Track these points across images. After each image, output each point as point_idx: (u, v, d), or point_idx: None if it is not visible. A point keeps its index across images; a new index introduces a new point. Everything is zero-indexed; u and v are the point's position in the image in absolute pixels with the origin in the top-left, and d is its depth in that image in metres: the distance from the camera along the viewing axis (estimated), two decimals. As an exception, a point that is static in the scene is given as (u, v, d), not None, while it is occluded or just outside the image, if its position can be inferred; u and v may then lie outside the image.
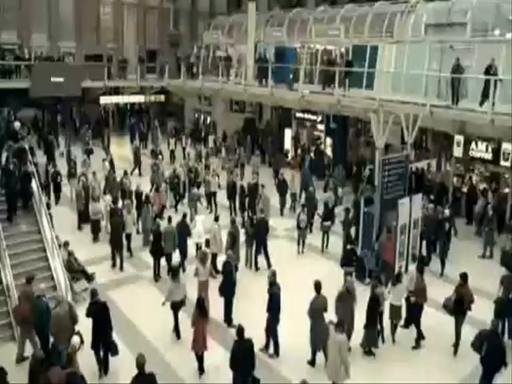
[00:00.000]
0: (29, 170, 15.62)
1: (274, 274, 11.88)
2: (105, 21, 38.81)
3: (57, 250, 13.93)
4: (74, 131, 33.20)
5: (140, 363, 8.67)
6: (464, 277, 12.02)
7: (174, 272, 12.67)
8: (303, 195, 21.73)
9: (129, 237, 17.30)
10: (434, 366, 11.52)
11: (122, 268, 16.21)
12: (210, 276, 13.64)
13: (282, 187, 21.91)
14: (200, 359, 11.03)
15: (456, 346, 11.99)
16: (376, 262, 14.79)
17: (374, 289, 11.84)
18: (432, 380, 10.90)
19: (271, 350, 11.81)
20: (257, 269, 16.39)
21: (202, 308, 10.97)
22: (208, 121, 36.47)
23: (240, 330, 9.86)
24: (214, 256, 15.62)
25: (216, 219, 16.31)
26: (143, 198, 19.04)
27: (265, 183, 21.10)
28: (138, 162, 26.68)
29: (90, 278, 14.60)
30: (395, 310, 12.38)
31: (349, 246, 15.36)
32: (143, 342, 12.24)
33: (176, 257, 15.86)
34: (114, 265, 16.30)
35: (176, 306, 12.30)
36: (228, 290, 12.82)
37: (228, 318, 12.89)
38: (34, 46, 34.25)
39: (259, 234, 16.50)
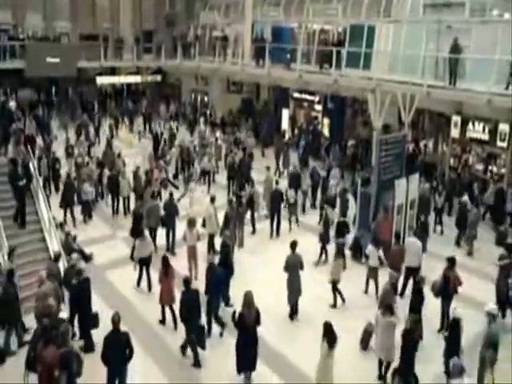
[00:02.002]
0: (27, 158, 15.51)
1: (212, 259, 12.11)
2: (100, 0, 38.36)
3: (54, 230, 13.95)
4: (70, 112, 33.05)
5: (115, 321, 9.11)
6: (451, 260, 11.99)
7: (140, 231, 14.17)
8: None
9: (126, 200, 18.87)
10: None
11: (74, 225, 17.49)
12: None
13: (293, 180, 19.74)
14: (164, 311, 12.18)
15: (446, 326, 11.90)
16: (372, 242, 14.85)
17: (421, 281, 11.65)
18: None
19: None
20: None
21: (166, 266, 12.00)
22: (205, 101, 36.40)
23: (186, 281, 10.80)
24: (211, 236, 15.69)
25: (212, 200, 16.21)
26: (143, 180, 19.21)
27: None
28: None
29: (87, 258, 14.64)
30: (372, 271, 13.63)
31: (341, 219, 15.82)
32: (135, 315, 12.69)
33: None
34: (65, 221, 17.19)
35: (143, 262, 13.61)
36: (225, 271, 12.86)
37: (225, 298, 12.97)
38: (28, 25, 33.95)
39: (275, 204, 17.45)
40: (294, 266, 12.40)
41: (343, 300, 13.20)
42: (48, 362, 8.58)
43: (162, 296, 12.05)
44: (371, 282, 13.74)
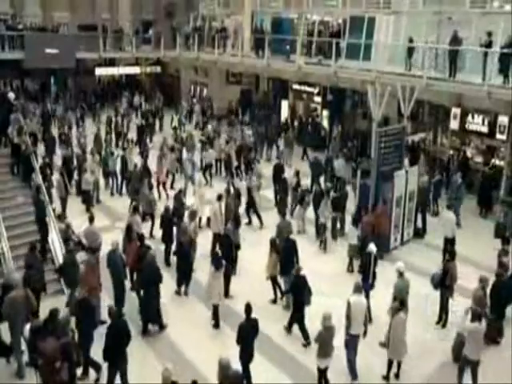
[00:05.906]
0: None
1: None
2: (99, -10, 38.20)
3: (54, 222, 13.95)
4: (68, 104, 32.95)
5: (112, 313, 9.47)
6: (451, 253, 12.16)
7: (135, 209, 15.22)
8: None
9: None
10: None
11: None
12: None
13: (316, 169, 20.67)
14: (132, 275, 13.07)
15: (443, 319, 12.06)
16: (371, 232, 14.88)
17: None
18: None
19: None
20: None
21: (129, 233, 13.18)
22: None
23: (141, 237, 12.88)
24: (216, 236, 14.99)
25: (218, 198, 15.43)
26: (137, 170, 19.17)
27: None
28: None
29: (87, 249, 14.57)
30: (352, 248, 14.49)
31: (334, 194, 16.91)
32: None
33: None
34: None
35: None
36: (227, 266, 12.73)
37: (225, 291, 12.95)
38: (27, 15, 33.75)
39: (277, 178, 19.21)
40: (284, 230, 13.89)
41: (281, 294, 12.82)
42: (49, 355, 8.55)
43: (127, 260, 12.76)
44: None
